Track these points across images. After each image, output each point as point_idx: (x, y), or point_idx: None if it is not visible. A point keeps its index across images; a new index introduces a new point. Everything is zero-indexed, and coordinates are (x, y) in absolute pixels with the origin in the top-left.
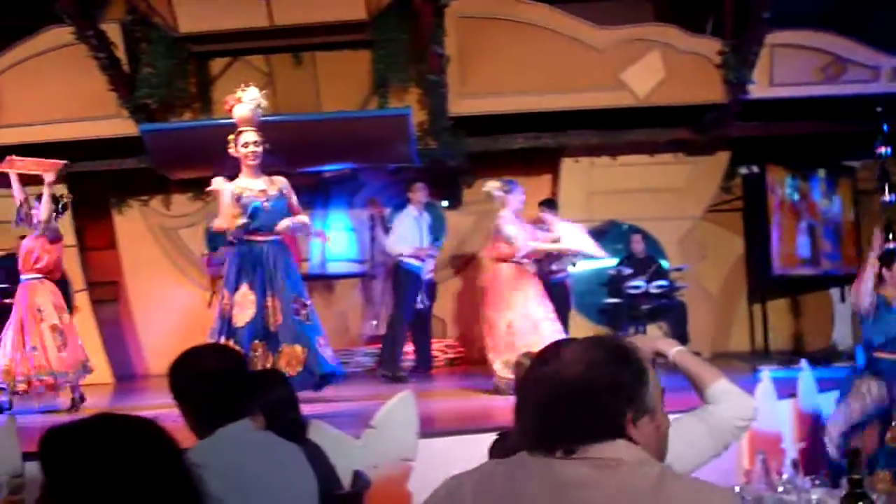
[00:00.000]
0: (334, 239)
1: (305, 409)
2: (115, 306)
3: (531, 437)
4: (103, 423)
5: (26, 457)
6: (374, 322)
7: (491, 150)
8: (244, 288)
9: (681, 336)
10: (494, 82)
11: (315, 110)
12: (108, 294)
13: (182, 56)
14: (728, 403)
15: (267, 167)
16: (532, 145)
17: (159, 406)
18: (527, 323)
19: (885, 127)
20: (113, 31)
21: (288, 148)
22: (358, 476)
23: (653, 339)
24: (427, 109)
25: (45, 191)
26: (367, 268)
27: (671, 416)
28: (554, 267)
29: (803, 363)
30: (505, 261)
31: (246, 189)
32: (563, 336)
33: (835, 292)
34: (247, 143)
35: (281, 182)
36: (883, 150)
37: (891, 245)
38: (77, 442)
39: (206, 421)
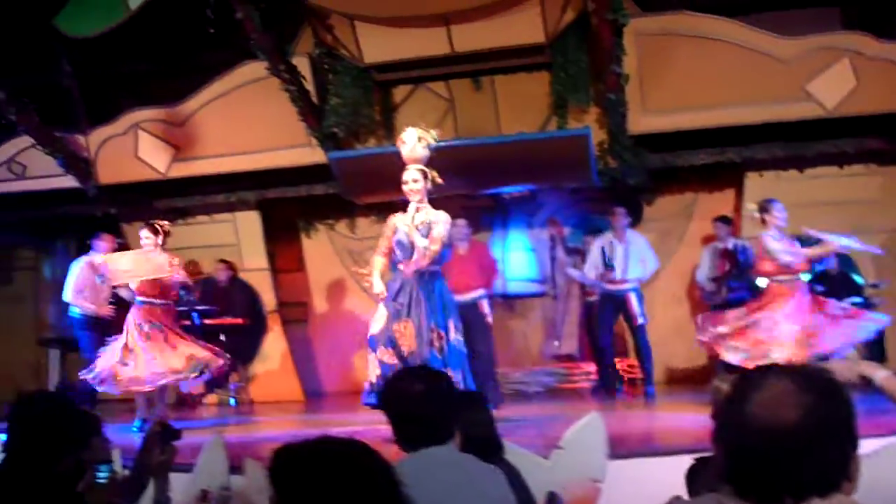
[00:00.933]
0: (514, 259)
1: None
2: (304, 326)
3: (741, 482)
4: (328, 444)
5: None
6: (557, 342)
7: (672, 166)
8: (382, 306)
9: (878, 356)
10: (675, 98)
11: (495, 133)
12: (298, 314)
13: (367, 85)
14: None
15: (449, 190)
16: (715, 160)
17: (349, 422)
18: (785, 336)
19: None
20: (302, 64)
21: (469, 171)
22: (553, 497)
23: (855, 364)
24: (606, 129)
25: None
26: (547, 288)
27: (882, 441)
28: (733, 285)
29: None
30: (775, 276)
31: (401, 223)
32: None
33: None
34: (406, 181)
35: (434, 215)
36: None
37: None
38: (304, 462)
39: (415, 440)
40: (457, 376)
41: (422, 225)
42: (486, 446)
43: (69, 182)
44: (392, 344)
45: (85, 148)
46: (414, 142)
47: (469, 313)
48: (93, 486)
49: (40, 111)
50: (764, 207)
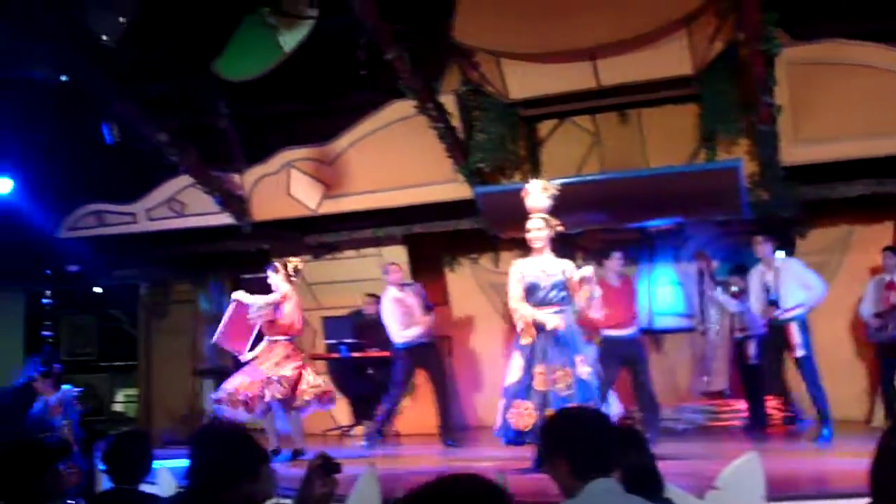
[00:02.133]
0: (661, 293)
1: None
2: (449, 360)
3: None
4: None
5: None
6: (706, 378)
7: (827, 198)
8: (516, 353)
9: None
10: (829, 128)
11: (641, 166)
12: (443, 347)
13: (512, 121)
14: None
15: (594, 224)
16: (871, 191)
17: (492, 458)
18: None
19: None
20: (449, 101)
21: (614, 204)
22: None
23: None
24: (757, 160)
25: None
26: (695, 323)
27: None
28: None
29: None
30: None
31: (528, 269)
32: None
33: None
34: (530, 229)
35: (566, 265)
36: None
37: None
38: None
39: (580, 475)
40: None
41: (561, 274)
42: (648, 484)
43: (225, 219)
44: (525, 395)
45: (240, 186)
46: (538, 192)
47: (632, 349)
48: None
49: (200, 152)
50: None
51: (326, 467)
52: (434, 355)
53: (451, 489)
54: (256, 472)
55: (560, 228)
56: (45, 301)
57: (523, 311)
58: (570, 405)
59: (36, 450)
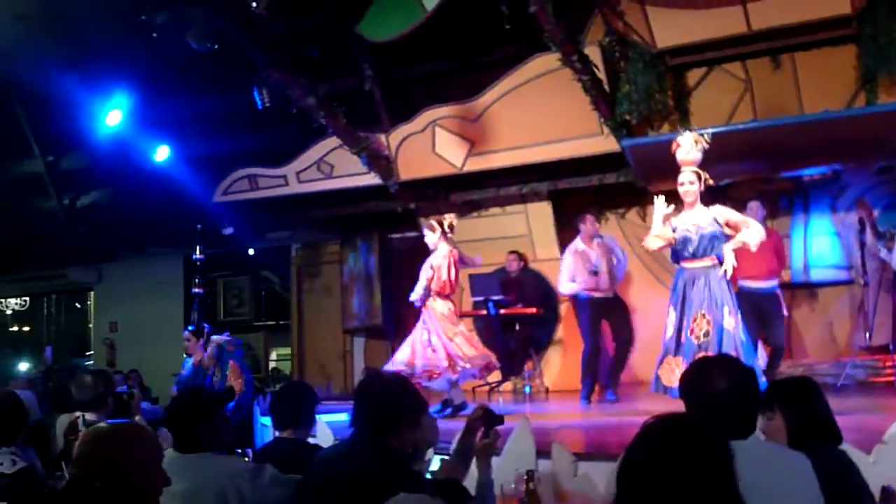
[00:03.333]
0: (817, 245)
1: None
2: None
3: None
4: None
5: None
6: (867, 333)
7: None
8: (671, 308)
9: None
10: None
11: (796, 112)
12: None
13: (659, 70)
14: None
15: (746, 173)
16: None
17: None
18: None
19: None
20: (594, 53)
21: (768, 153)
22: (889, 492)
23: None
24: None
25: None
26: (854, 275)
27: None
28: None
29: None
30: None
31: (680, 223)
32: None
33: None
34: (682, 183)
35: (715, 211)
36: None
37: None
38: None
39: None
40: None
41: (713, 224)
42: (822, 432)
43: (372, 179)
44: (676, 351)
45: (386, 146)
46: (689, 145)
47: (766, 303)
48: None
49: (347, 114)
50: None
51: (489, 420)
52: (618, 309)
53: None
54: (417, 421)
55: (710, 182)
56: (196, 258)
57: (648, 242)
58: (705, 353)
59: (202, 396)
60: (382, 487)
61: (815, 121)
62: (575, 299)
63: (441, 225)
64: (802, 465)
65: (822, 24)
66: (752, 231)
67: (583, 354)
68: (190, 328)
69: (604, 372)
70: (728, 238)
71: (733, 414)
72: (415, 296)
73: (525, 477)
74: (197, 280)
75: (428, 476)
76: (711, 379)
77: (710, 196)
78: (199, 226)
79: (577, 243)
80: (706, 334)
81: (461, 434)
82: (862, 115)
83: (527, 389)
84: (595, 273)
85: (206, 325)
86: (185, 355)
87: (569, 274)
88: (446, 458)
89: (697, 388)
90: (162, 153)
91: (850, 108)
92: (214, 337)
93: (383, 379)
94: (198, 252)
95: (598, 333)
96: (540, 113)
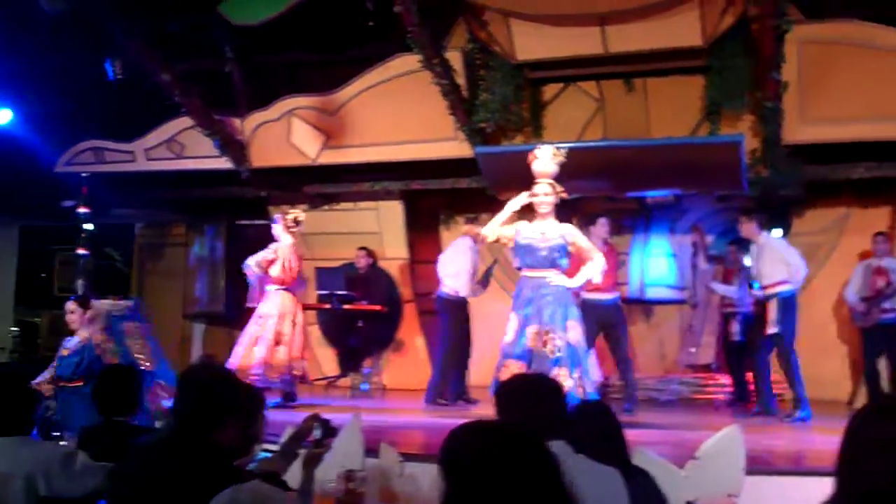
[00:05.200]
0: (654, 264)
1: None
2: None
3: None
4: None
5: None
6: (693, 351)
7: (827, 179)
8: (513, 314)
9: None
10: (836, 109)
11: (644, 136)
12: (433, 306)
13: (518, 82)
14: None
15: (593, 191)
16: (872, 175)
17: (477, 415)
18: None
19: None
20: (455, 58)
21: (615, 172)
22: None
23: None
24: (761, 137)
25: None
26: (687, 295)
27: None
28: (886, 305)
29: None
30: None
31: (529, 230)
32: None
33: None
34: (537, 194)
35: (566, 229)
36: None
37: None
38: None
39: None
40: (574, 375)
41: (560, 239)
42: (612, 450)
43: (224, 164)
44: (518, 355)
45: (240, 131)
46: (547, 157)
47: (611, 314)
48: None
49: (203, 95)
50: None
51: (325, 430)
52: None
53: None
54: (247, 416)
55: (564, 195)
56: (79, 214)
57: (487, 229)
58: (556, 368)
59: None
60: (200, 483)
61: (659, 145)
62: (442, 299)
63: (286, 219)
64: (614, 480)
65: (675, 54)
66: (595, 265)
67: (441, 353)
68: (73, 297)
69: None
70: (570, 256)
71: (544, 422)
72: (251, 265)
73: (345, 476)
74: (84, 235)
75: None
76: (522, 396)
77: (559, 209)
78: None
79: (470, 242)
80: (558, 349)
81: (288, 439)
82: (703, 144)
83: (364, 386)
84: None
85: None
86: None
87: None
88: (269, 455)
89: (514, 399)
90: (3, 116)
91: (693, 137)
92: (96, 302)
93: (211, 370)
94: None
95: (463, 335)
96: (397, 112)
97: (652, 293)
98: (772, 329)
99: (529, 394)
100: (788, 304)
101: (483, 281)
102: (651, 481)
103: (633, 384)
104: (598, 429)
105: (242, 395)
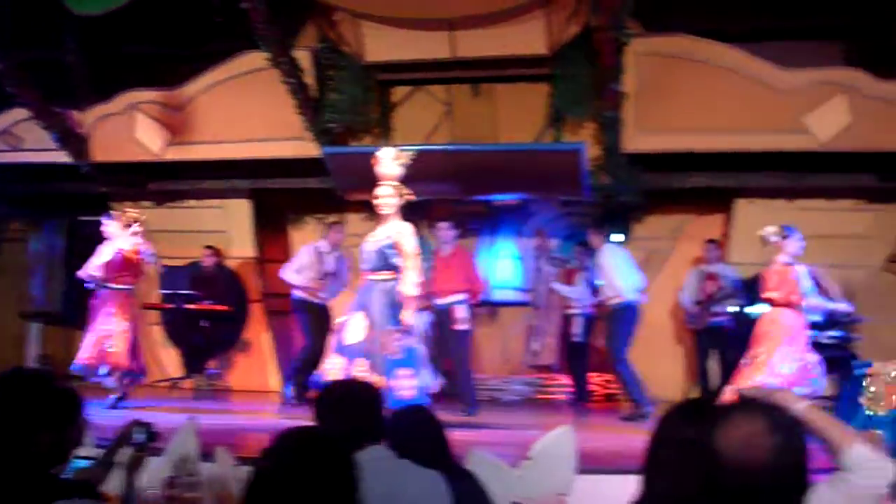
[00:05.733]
0: (501, 266)
1: (466, 435)
2: (286, 318)
3: None
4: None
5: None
6: (535, 352)
7: (665, 187)
8: (350, 315)
9: None
10: (672, 120)
11: (491, 140)
12: (281, 306)
13: (367, 83)
14: (866, 471)
15: (440, 194)
16: (707, 185)
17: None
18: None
19: None
20: (304, 58)
21: (461, 176)
22: None
23: (771, 393)
24: (602, 145)
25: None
26: (531, 297)
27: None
28: (716, 309)
29: None
30: (786, 306)
31: (371, 235)
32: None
33: None
34: (378, 196)
35: (394, 229)
36: None
37: None
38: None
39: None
40: (412, 377)
41: (387, 239)
42: (434, 453)
43: (63, 158)
44: (360, 355)
45: (80, 124)
46: (390, 159)
47: (442, 318)
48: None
49: (45, 86)
50: (783, 234)
51: (148, 436)
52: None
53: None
54: (59, 420)
55: (410, 197)
56: None
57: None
58: (393, 370)
59: None
60: (14, 493)
61: (504, 150)
62: (296, 300)
63: (124, 218)
64: (436, 483)
65: (521, 61)
66: (409, 277)
67: (297, 354)
68: None
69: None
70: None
71: (363, 428)
72: (89, 270)
73: (168, 483)
74: None
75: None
76: (340, 401)
77: (407, 212)
78: None
79: (321, 244)
80: (394, 351)
81: (111, 444)
82: (546, 150)
83: (207, 387)
84: (324, 277)
85: None
86: None
87: (298, 265)
88: (88, 463)
89: (334, 405)
90: None
91: (537, 143)
92: None
93: (20, 374)
94: None
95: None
96: (245, 110)
97: (498, 295)
98: (605, 340)
99: (347, 399)
100: (623, 315)
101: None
102: (476, 484)
103: (470, 388)
104: (421, 432)
105: (57, 399)
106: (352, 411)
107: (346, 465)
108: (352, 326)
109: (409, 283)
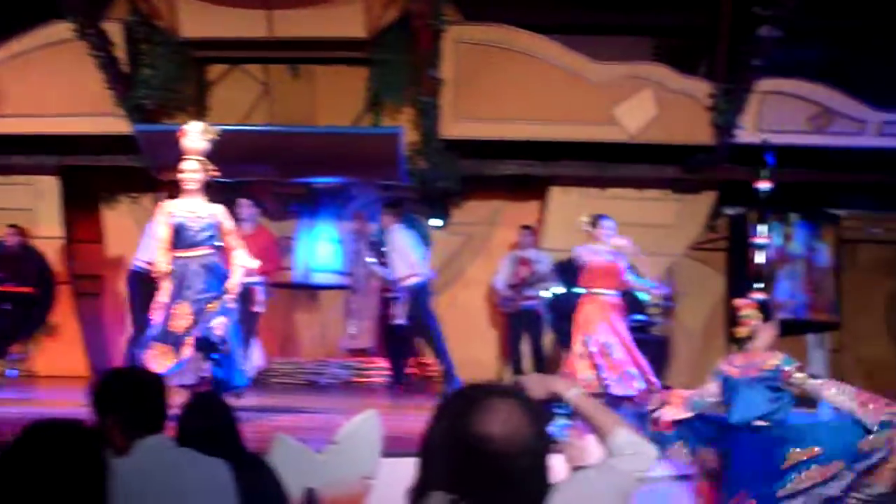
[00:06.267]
0: (321, 249)
1: (279, 419)
2: (97, 300)
3: (466, 497)
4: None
5: None
6: (352, 334)
7: (481, 173)
8: (165, 297)
9: (658, 371)
10: (488, 108)
11: (310, 123)
12: (91, 288)
13: (182, 60)
14: (629, 455)
15: (258, 175)
16: (522, 172)
17: None
18: (607, 349)
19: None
20: (114, 30)
21: (280, 158)
22: (308, 493)
23: (548, 380)
24: (419, 130)
25: None
26: (350, 281)
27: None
28: (529, 293)
29: None
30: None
31: (177, 209)
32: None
33: (811, 338)
34: (184, 170)
35: (218, 209)
36: None
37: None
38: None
39: (130, 432)
40: (226, 360)
41: (210, 217)
42: (222, 442)
43: None
44: (162, 337)
45: None
46: (196, 134)
47: (243, 298)
48: None
49: None
50: (594, 222)
51: None
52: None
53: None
54: None
55: (216, 174)
56: None
57: (159, 266)
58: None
59: None
60: None
61: (322, 133)
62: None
63: None
64: (220, 472)
65: (340, 43)
66: (241, 252)
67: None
68: None
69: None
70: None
71: (143, 417)
72: None
73: None
74: None
75: None
76: (125, 386)
77: (224, 193)
78: None
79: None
80: (210, 332)
81: None
82: (364, 134)
83: (12, 373)
84: None
85: None
86: None
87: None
88: None
89: (111, 395)
90: None
91: (355, 127)
92: None
93: None
94: None
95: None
96: (51, 83)
97: (318, 278)
98: (400, 320)
99: (125, 388)
100: (424, 292)
101: None
102: (267, 471)
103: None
104: (208, 420)
105: None
106: (130, 400)
107: (91, 459)
108: (161, 308)
109: (243, 257)
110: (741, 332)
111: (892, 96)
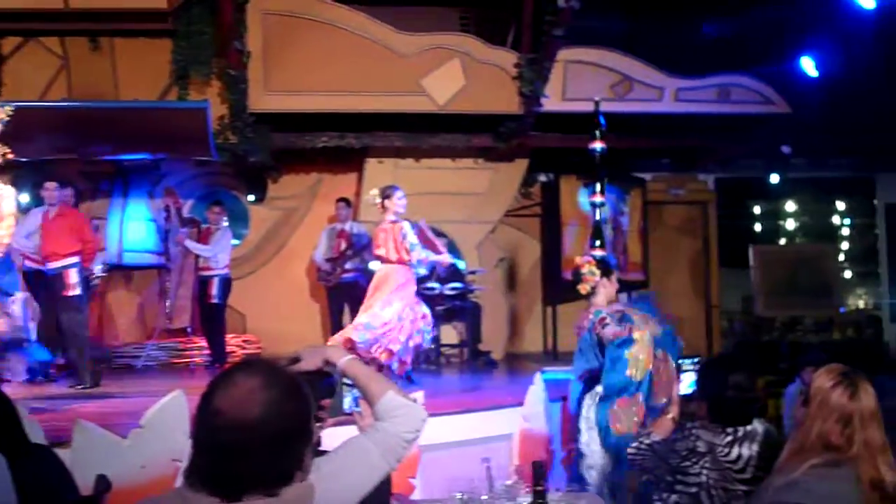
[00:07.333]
0: (133, 229)
1: (86, 406)
2: None
3: (206, 476)
4: None
5: None
6: (168, 315)
7: (295, 147)
8: None
9: (474, 337)
10: (297, 80)
11: (112, 97)
12: None
13: None
14: (397, 418)
15: (61, 153)
16: (336, 144)
17: None
18: (401, 320)
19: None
20: None
21: (82, 134)
22: (98, 480)
23: (321, 349)
24: (228, 104)
25: None
26: (165, 260)
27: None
28: (348, 266)
29: None
30: (397, 263)
31: None
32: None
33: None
34: None
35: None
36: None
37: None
38: None
39: None
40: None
41: None
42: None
43: None
44: None
45: None
46: None
47: (54, 283)
48: None
49: None
50: (386, 194)
51: None
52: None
53: None
54: None
55: (10, 156)
56: None
57: None
58: None
59: None
60: None
61: (125, 108)
62: None
63: None
64: None
65: (140, 15)
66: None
67: None
68: None
69: None
70: None
71: None
72: None
73: None
74: None
75: None
76: None
77: (30, 174)
78: None
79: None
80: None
81: None
82: (170, 108)
83: None
84: None
85: None
86: None
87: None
88: None
89: None
90: None
91: (160, 101)
92: None
93: None
94: None
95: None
96: None
97: (130, 258)
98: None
99: None
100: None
101: None
102: (50, 462)
103: (86, 356)
104: None
105: None
106: None
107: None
108: None
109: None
110: (583, 288)
111: (685, 63)
